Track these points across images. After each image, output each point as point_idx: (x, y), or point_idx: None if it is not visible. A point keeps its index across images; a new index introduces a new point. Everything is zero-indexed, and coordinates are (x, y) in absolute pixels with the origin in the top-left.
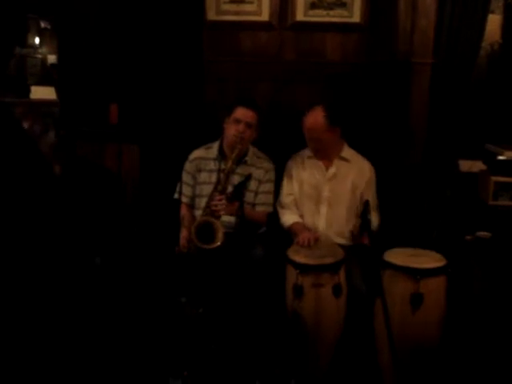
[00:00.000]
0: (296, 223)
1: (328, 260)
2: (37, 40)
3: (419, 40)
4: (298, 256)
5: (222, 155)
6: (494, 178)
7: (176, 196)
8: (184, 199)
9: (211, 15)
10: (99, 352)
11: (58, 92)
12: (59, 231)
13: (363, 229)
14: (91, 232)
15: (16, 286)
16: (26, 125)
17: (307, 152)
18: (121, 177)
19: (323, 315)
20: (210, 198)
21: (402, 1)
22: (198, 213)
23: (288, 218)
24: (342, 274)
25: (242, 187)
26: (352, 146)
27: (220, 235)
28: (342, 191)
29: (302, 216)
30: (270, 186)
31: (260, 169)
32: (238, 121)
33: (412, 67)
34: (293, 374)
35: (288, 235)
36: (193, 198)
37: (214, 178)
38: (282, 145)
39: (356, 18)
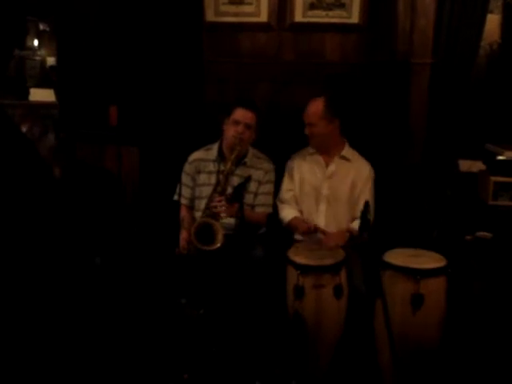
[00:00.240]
0: (295, 218)
1: (329, 261)
2: (36, 42)
3: (418, 40)
4: (298, 257)
5: (221, 157)
6: (494, 178)
7: (175, 198)
8: (183, 201)
9: (210, 16)
10: (99, 354)
11: (57, 94)
12: (59, 233)
13: (363, 229)
14: (91, 234)
15: (15, 288)
16: (25, 127)
17: (309, 150)
18: (120, 179)
19: (324, 316)
20: (210, 199)
21: (400, 1)
22: (198, 214)
23: (287, 212)
24: (342, 274)
25: (241, 189)
26: (352, 145)
27: (220, 237)
28: (341, 190)
29: (301, 213)
30: (269, 187)
31: (260, 170)
32: (237, 122)
33: (411, 67)
34: (293, 374)
35: (288, 235)
36: (192, 199)
37: (213, 179)
38: (281, 145)
39: (355, 18)
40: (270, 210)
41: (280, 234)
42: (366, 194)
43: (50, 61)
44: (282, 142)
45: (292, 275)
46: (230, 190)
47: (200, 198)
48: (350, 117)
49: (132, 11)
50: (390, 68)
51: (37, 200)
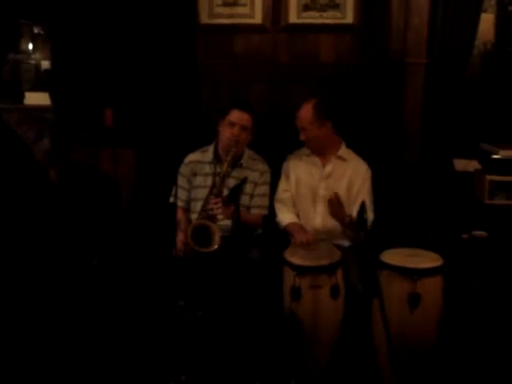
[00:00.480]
0: (292, 223)
1: (325, 261)
2: (30, 46)
3: (413, 39)
4: (294, 258)
5: (217, 158)
6: (490, 177)
7: (171, 200)
8: (179, 203)
9: (204, 18)
10: (97, 356)
11: (52, 97)
12: (56, 235)
13: (360, 229)
14: (88, 236)
15: (13, 290)
16: (20, 131)
17: (305, 150)
18: (116, 181)
19: (321, 316)
20: (206, 201)
21: (394, 0)
22: (194, 216)
23: (284, 216)
24: (339, 274)
25: (237, 190)
26: (348, 146)
27: (217, 238)
28: (337, 190)
29: (298, 214)
30: (265, 189)
31: (255, 171)
32: (232, 124)
33: (406, 67)
34: (292, 375)
35: (284, 237)
36: (188, 201)
37: (209, 181)
38: (277, 146)
39: (349, 18)
40: (265, 211)
41: (276, 235)
42: (364, 193)
43: (45, 64)
44: (277, 143)
45: (288, 276)
46: (226, 192)
47: (196, 200)
48: (345, 117)
49: (126, 14)
50: (385, 68)
51: (32, 203)
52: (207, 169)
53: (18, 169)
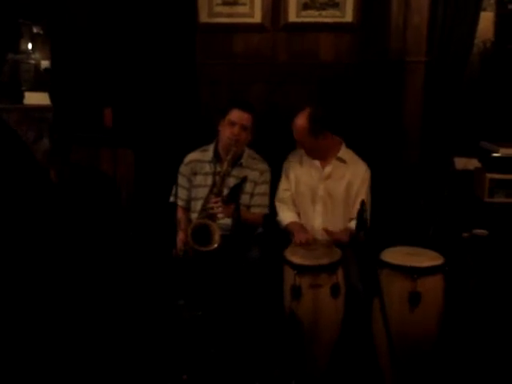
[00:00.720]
0: (292, 223)
1: (325, 260)
2: (30, 45)
3: (412, 38)
4: (295, 257)
5: (217, 158)
6: (490, 175)
7: (171, 199)
8: (180, 202)
9: (203, 17)
10: (97, 356)
11: (51, 97)
12: (55, 235)
13: (360, 228)
14: (87, 236)
15: (11, 290)
16: (20, 131)
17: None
18: (116, 181)
19: (321, 315)
20: (206, 200)
21: None
22: (194, 216)
23: (285, 215)
24: (339, 274)
25: (237, 189)
26: (347, 145)
27: (217, 237)
28: (336, 191)
29: (299, 213)
30: (265, 188)
31: (255, 170)
32: (232, 123)
33: (405, 66)
34: (293, 374)
35: (285, 236)
36: (188, 201)
37: (209, 180)
38: (276, 146)
39: (348, 17)
40: (266, 210)
41: (277, 234)
42: (362, 194)
43: (44, 64)
44: (277, 143)
45: (289, 275)
46: (226, 191)
47: (196, 200)
48: (345, 117)
49: (125, 13)
50: (384, 67)
51: (32, 202)
52: (207, 168)
53: (19, 168)
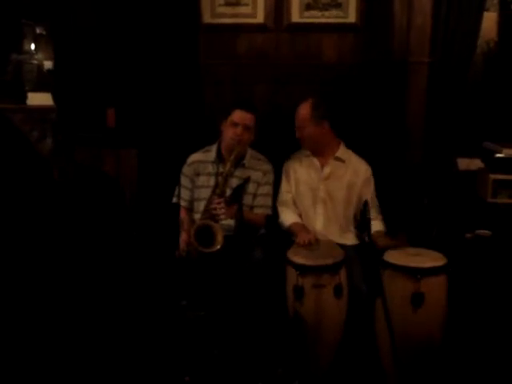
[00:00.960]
0: (295, 223)
1: (328, 260)
2: (32, 46)
3: (415, 38)
4: (297, 257)
5: (220, 158)
6: (493, 176)
7: (174, 200)
8: (183, 203)
9: (207, 18)
10: (100, 356)
11: (54, 98)
12: (57, 233)
13: (363, 229)
14: (90, 236)
15: (12, 288)
16: (24, 131)
17: (305, 151)
18: (119, 181)
19: (324, 316)
20: (209, 201)
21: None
22: (197, 216)
23: (287, 217)
24: (342, 274)
25: (240, 190)
26: (350, 146)
27: (219, 238)
28: (337, 191)
29: (300, 215)
30: (268, 189)
31: (258, 171)
32: (235, 124)
33: (409, 66)
34: (296, 374)
35: (287, 236)
36: (191, 201)
37: (212, 181)
38: (279, 146)
39: (351, 18)
40: (268, 211)
41: (279, 234)
42: (368, 195)
43: (47, 64)
44: (280, 143)
45: (291, 275)
46: (229, 192)
47: (199, 200)
48: (348, 117)
49: (128, 14)
50: (388, 67)
51: (37, 199)
52: (210, 168)
53: (24, 165)
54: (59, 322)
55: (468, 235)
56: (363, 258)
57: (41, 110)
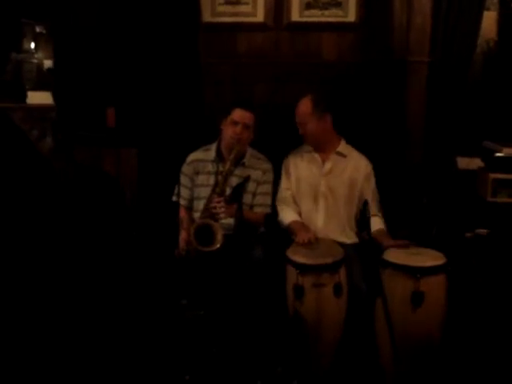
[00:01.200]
0: (294, 222)
1: (328, 259)
2: (32, 45)
3: (415, 37)
4: (297, 256)
5: (219, 157)
6: (493, 175)
7: (174, 198)
8: (182, 202)
9: (207, 17)
10: (100, 355)
11: (54, 97)
12: (58, 233)
13: (362, 228)
14: (90, 235)
15: (11, 288)
16: (24, 130)
17: (306, 147)
18: (119, 180)
19: (324, 315)
20: (209, 200)
21: None
22: (197, 215)
23: (286, 215)
24: (342, 273)
25: (240, 189)
26: (350, 144)
27: (219, 237)
28: (338, 186)
29: (300, 213)
30: (267, 188)
31: (258, 170)
32: (235, 122)
33: (408, 66)
34: (295, 374)
35: (287, 235)
36: (191, 200)
37: (212, 180)
38: (279, 145)
39: (351, 17)
40: (268, 210)
41: (279, 233)
42: (368, 193)
43: (47, 63)
44: (280, 142)
45: (291, 274)
46: (228, 191)
47: (199, 199)
48: (348, 116)
49: (129, 13)
50: (387, 66)
51: (39, 197)
52: (210, 167)
53: (25, 164)
54: (59, 321)
55: (468, 234)
56: (363, 257)
57: (41, 108)
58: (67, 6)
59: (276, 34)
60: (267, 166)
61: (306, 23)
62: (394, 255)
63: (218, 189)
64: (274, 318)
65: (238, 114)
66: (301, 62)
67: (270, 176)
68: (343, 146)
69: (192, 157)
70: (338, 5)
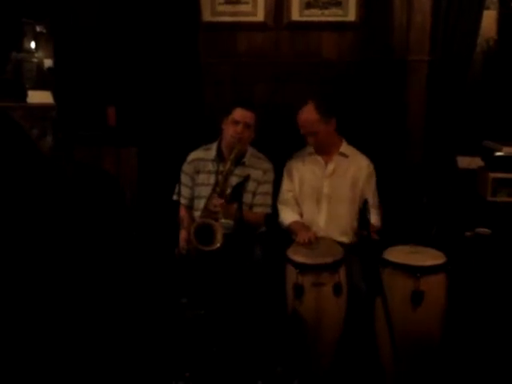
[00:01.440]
0: (295, 222)
1: (327, 259)
2: (33, 44)
3: (415, 36)
4: (297, 255)
5: (220, 156)
6: (493, 175)
7: (175, 197)
8: (183, 201)
9: (207, 16)
10: (101, 354)
11: (54, 96)
12: (58, 232)
13: (363, 227)
14: (90, 234)
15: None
16: (24, 129)
17: (308, 149)
18: (119, 180)
19: (324, 314)
20: (209, 199)
21: None
22: (197, 214)
23: (287, 216)
24: (342, 272)
25: (240, 188)
26: (350, 144)
27: (219, 237)
28: (341, 187)
29: (302, 214)
30: (268, 187)
31: (258, 170)
32: (236, 122)
33: (408, 65)
34: (296, 373)
35: (287, 235)
36: (191, 199)
37: (212, 179)
38: (280, 145)
39: (351, 16)
40: (268, 210)
41: (279, 233)
42: (368, 193)
43: (48, 63)
44: (280, 142)
45: (291, 274)
46: (228, 190)
47: (199, 198)
48: (348, 115)
49: (129, 12)
50: (387, 66)
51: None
52: (210, 166)
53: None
54: (59, 321)
55: (468, 233)
56: (363, 257)
57: (41, 107)
58: (67, 6)
59: (276, 34)
60: (268, 165)
61: (306, 23)
62: (393, 254)
63: (218, 188)
64: (274, 318)
65: (239, 114)
66: (301, 62)
67: (270, 176)
68: (345, 147)
69: (192, 156)
70: (338, 4)
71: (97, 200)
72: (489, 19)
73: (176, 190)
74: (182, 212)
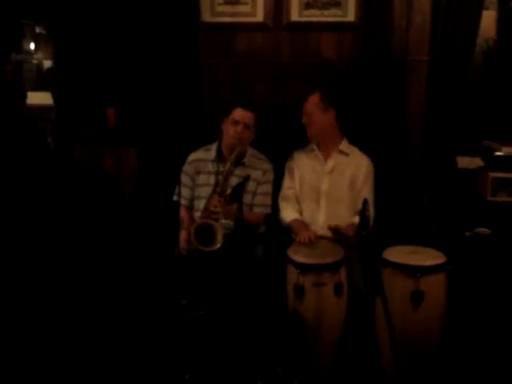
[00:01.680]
0: (295, 220)
1: (328, 259)
2: (32, 45)
3: (415, 37)
4: (298, 255)
5: (220, 157)
6: (493, 174)
7: (175, 198)
8: (183, 201)
9: (206, 17)
10: (100, 355)
11: (54, 97)
12: (58, 232)
13: (362, 227)
14: (90, 235)
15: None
16: None
17: (309, 147)
18: (119, 180)
19: (325, 314)
20: (209, 200)
21: None
22: (197, 214)
23: (288, 213)
24: (342, 272)
25: (240, 189)
26: (351, 143)
27: (220, 237)
28: (340, 185)
29: (301, 211)
30: (267, 188)
31: (258, 170)
32: (236, 122)
33: (408, 65)
34: (295, 373)
35: (288, 235)
36: (192, 200)
37: (212, 179)
38: (279, 145)
39: (351, 16)
40: (268, 210)
41: (280, 233)
42: (365, 190)
43: (47, 64)
44: (280, 142)
45: (292, 274)
46: (229, 191)
47: (199, 199)
48: (348, 115)
49: (128, 13)
50: (387, 66)
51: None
52: (210, 167)
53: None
54: (58, 321)
55: (468, 233)
56: (363, 257)
57: (40, 109)
58: (67, 7)
59: (275, 34)
60: (268, 166)
61: (306, 23)
62: (394, 254)
63: (218, 189)
64: (274, 318)
65: (239, 114)
66: (300, 62)
67: (270, 176)
68: (345, 145)
69: (193, 156)
70: (338, 4)
71: (97, 200)
72: (488, 19)
73: (176, 191)
74: (182, 212)
